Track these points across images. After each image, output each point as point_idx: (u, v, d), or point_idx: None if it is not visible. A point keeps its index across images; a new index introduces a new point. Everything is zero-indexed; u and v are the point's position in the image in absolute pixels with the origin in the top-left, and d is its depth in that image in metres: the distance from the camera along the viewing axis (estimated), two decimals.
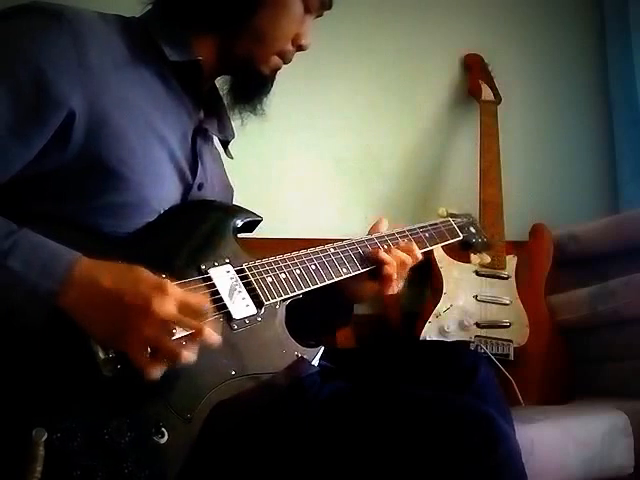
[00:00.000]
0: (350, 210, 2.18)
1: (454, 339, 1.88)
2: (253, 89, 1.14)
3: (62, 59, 0.90)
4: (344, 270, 1.13)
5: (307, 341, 1.04)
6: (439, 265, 1.96)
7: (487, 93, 2.29)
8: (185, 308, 0.83)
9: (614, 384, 1.89)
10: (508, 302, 1.97)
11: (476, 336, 1.91)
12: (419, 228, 1.31)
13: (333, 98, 2.19)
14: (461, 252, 1.71)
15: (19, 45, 0.89)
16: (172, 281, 0.85)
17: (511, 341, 1.91)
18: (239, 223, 1.07)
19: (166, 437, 0.84)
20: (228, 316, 0.95)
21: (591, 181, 2.54)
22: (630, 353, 1.87)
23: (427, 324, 1.90)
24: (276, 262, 1.05)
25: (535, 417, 1.59)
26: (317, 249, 1.12)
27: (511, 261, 2.03)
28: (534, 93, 2.49)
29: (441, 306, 1.92)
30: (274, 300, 1.01)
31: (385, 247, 1.21)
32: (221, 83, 1.18)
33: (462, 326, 1.91)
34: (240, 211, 1.09)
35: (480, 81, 2.31)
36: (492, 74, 2.34)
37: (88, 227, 0.92)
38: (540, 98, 2.50)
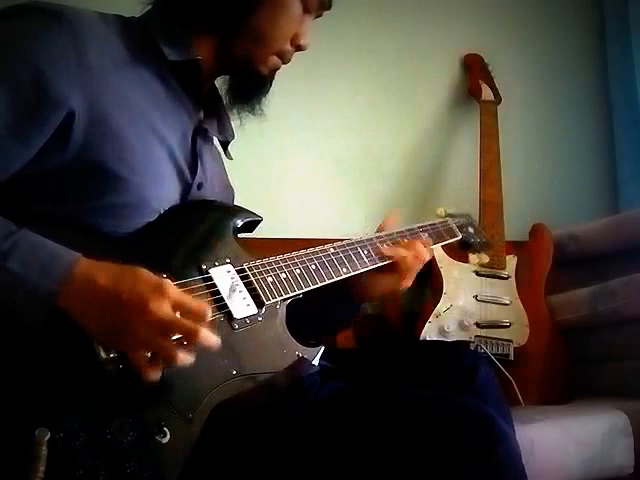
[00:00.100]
0: (350, 210, 2.18)
1: (454, 339, 1.88)
2: (252, 89, 1.14)
3: (62, 59, 0.90)
4: (344, 270, 1.13)
5: (308, 341, 1.05)
6: (439, 265, 1.96)
7: (487, 93, 2.30)
8: (182, 310, 0.82)
9: (614, 384, 1.89)
10: (508, 302, 1.97)
11: (476, 336, 1.91)
12: (418, 228, 1.31)
13: (333, 98, 2.19)
14: (461, 252, 1.71)
15: (19, 45, 0.89)
16: (172, 281, 0.85)
17: (511, 341, 1.92)
18: (239, 223, 1.07)
19: (168, 437, 0.84)
20: (229, 316, 0.95)
21: (591, 181, 2.54)
22: (630, 353, 1.87)
23: (427, 324, 1.90)
24: (276, 262, 1.05)
25: (535, 417, 1.59)
26: (317, 249, 1.12)
27: (511, 261, 2.03)
28: (534, 93, 2.50)
29: (441, 306, 1.93)
30: (275, 300, 1.01)
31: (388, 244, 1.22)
32: (220, 83, 1.18)
33: (462, 326, 1.91)
34: (240, 211, 1.09)
35: (480, 81, 2.32)
36: (492, 74, 2.35)
37: (88, 227, 0.92)
38: (540, 98, 2.50)
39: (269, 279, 1.02)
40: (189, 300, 0.84)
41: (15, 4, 0.93)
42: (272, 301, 1.01)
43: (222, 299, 0.95)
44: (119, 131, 0.94)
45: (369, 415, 0.97)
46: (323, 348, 1.06)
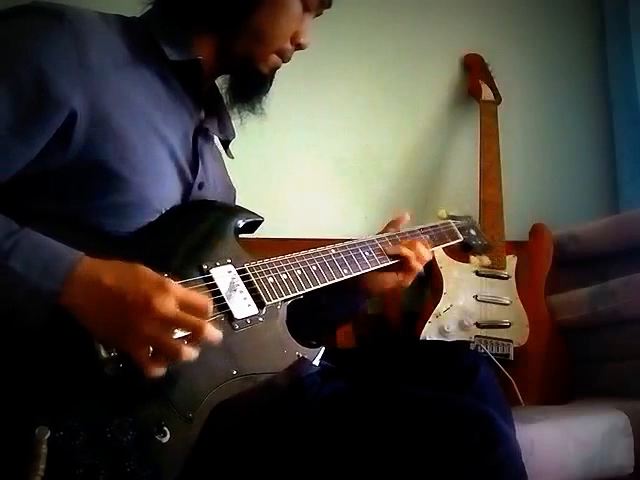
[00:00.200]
0: (350, 210, 2.18)
1: (454, 339, 1.88)
2: (252, 88, 1.14)
3: (63, 59, 0.90)
4: (345, 271, 1.13)
5: (308, 341, 1.05)
6: (439, 265, 1.96)
7: (487, 93, 2.30)
8: (186, 306, 0.83)
9: (614, 384, 1.89)
10: (508, 302, 1.97)
11: (476, 336, 1.91)
12: (419, 229, 1.31)
13: (333, 98, 2.19)
14: (461, 252, 1.71)
15: (20, 45, 0.89)
16: (174, 280, 0.85)
17: (511, 341, 1.92)
18: (240, 223, 1.07)
19: (168, 436, 0.84)
20: (229, 316, 0.96)
21: (591, 181, 2.54)
22: (630, 353, 1.87)
23: (427, 324, 1.90)
24: (277, 262, 1.05)
25: (535, 417, 1.59)
26: (318, 250, 1.12)
27: (511, 261, 2.03)
28: (534, 93, 2.50)
29: (441, 306, 1.93)
30: (275, 300, 1.01)
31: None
32: (220, 82, 1.18)
33: (462, 326, 1.91)
34: (241, 211, 1.09)
35: (480, 81, 2.32)
36: (492, 74, 2.35)
37: (90, 227, 0.93)
38: (540, 98, 2.50)
39: (270, 280, 1.02)
40: (191, 296, 0.85)
41: (16, 5, 0.93)
42: (273, 302, 1.01)
43: (223, 299, 0.96)
44: (120, 131, 0.94)
45: (369, 415, 0.97)
46: (323, 348, 1.06)
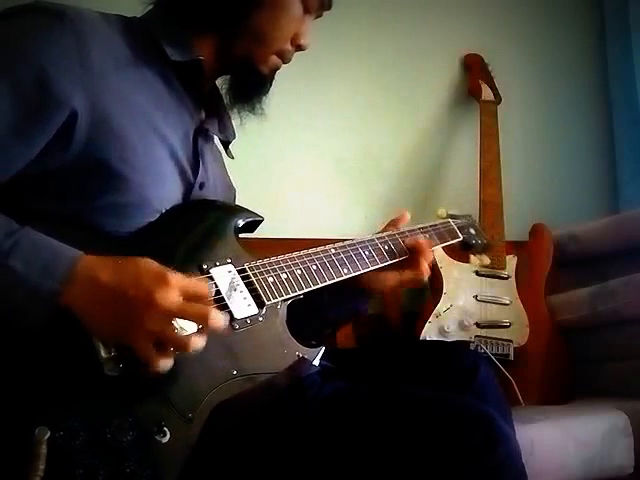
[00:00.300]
0: (350, 210, 2.18)
1: (454, 339, 1.88)
2: (252, 88, 1.14)
3: (64, 59, 0.90)
4: (345, 270, 1.13)
5: (308, 341, 1.05)
6: (439, 265, 1.96)
7: (487, 93, 2.30)
8: (188, 295, 0.83)
9: (614, 384, 1.90)
10: (508, 302, 1.97)
11: (476, 336, 1.91)
12: (419, 229, 1.31)
13: (333, 98, 2.19)
14: (461, 252, 1.71)
15: (21, 44, 0.89)
16: None
17: (511, 341, 1.92)
18: (240, 223, 1.07)
19: (168, 436, 0.84)
20: (229, 316, 0.95)
21: (591, 181, 2.54)
22: (630, 353, 1.87)
23: (427, 324, 1.90)
24: (277, 262, 1.05)
25: (535, 417, 1.59)
26: (318, 249, 1.12)
27: (511, 261, 2.03)
28: (534, 93, 2.50)
29: (441, 306, 1.93)
30: (275, 300, 1.01)
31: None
32: (220, 83, 1.18)
33: (462, 326, 1.91)
34: (241, 211, 1.09)
35: (480, 81, 2.32)
36: (492, 74, 2.35)
37: (90, 226, 0.93)
38: (540, 98, 2.51)
39: (270, 279, 1.02)
40: (191, 284, 0.85)
41: (18, 4, 0.93)
42: (273, 301, 1.01)
43: (223, 299, 0.95)
44: (120, 131, 0.94)
45: (369, 415, 0.97)
46: (324, 348, 1.06)
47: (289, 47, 1.12)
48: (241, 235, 1.07)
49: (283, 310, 1.04)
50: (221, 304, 0.95)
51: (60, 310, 0.81)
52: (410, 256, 1.22)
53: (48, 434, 0.76)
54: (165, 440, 0.84)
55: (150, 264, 0.84)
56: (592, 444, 1.58)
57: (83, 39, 0.92)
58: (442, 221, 1.40)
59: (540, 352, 1.92)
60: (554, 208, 2.39)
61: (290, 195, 2.09)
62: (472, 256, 1.52)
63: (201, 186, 1.09)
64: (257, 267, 1.02)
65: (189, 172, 1.06)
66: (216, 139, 1.21)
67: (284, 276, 1.04)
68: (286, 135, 2.08)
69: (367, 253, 1.18)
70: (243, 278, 1.00)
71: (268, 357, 0.99)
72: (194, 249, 0.98)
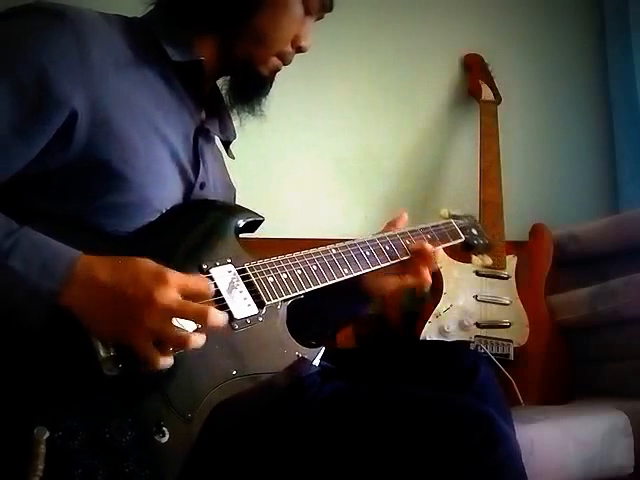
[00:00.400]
0: (350, 210, 2.18)
1: (454, 339, 1.88)
2: (252, 90, 1.14)
3: (64, 58, 0.90)
4: (345, 271, 1.13)
5: (308, 341, 1.05)
6: (439, 265, 1.95)
7: (487, 93, 2.30)
8: (187, 293, 0.83)
9: (614, 384, 1.90)
10: (508, 302, 1.97)
11: (476, 336, 1.91)
12: (421, 229, 1.31)
13: (333, 98, 2.19)
14: (461, 252, 1.71)
15: (22, 44, 0.89)
16: None
17: (511, 341, 1.91)
18: (241, 223, 1.07)
19: (167, 436, 0.84)
20: (229, 316, 0.95)
21: (591, 181, 2.54)
22: (630, 353, 1.87)
23: (427, 324, 1.90)
24: (278, 262, 1.05)
25: (535, 417, 1.59)
26: (319, 249, 1.12)
27: (511, 261, 2.03)
28: (534, 93, 2.50)
29: (441, 306, 1.93)
30: (275, 300, 1.01)
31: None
32: (220, 83, 1.18)
33: (462, 326, 1.91)
34: (242, 211, 1.09)
35: (480, 81, 2.32)
36: (492, 74, 2.35)
37: (90, 226, 0.93)
38: (540, 98, 2.50)
39: (270, 279, 1.02)
40: (191, 281, 0.85)
41: (18, 5, 0.93)
42: (273, 301, 1.01)
43: (223, 299, 0.95)
44: (121, 131, 0.94)
45: (369, 415, 0.97)
46: (324, 348, 1.06)
47: (289, 49, 1.12)
48: (241, 235, 1.07)
49: (283, 310, 1.04)
50: (221, 304, 0.95)
51: (59, 310, 0.81)
52: (413, 260, 1.22)
53: (47, 434, 0.76)
54: (164, 440, 0.84)
55: (149, 263, 0.84)
56: (592, 444, 1.57)
57: (83, 39, 0.92)
58: (444, 221, 1.39)
59: (540, 352, 1.92)
60: (554, 208, 2.39)
61: (290, 195, 2.09)
62: (474, 256, 1.52)
63: (202, 186, 1.09)
64: (257, 267, 1.02)
65: (190, 172, 1.06)
66: (217, 139, 1.21)
67: (284, 276, 1.04)
68: (286, 135, 2.08)
69: (368, 253, 1.18)
70: (243, 278, 0.99)
71: (268, 357, 0.99)
72: (194, 249, 0.98)
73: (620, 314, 1.86)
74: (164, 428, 0.84)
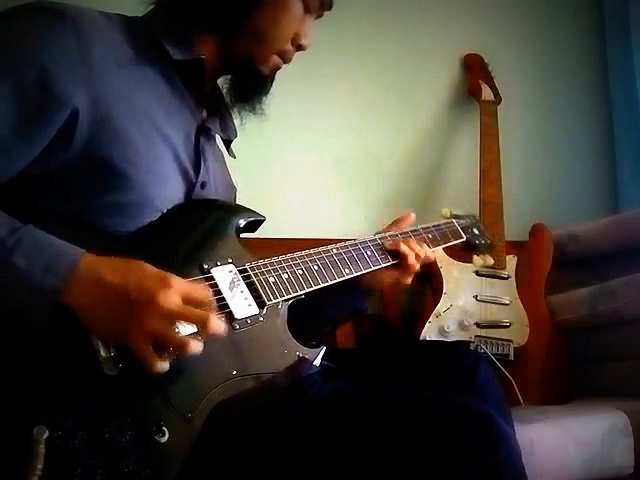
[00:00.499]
0: (350, 210, 2.18)
1: (454, 339, 1.88)
2: (252, 88, 1.14)
3: (65, 58, 0.90)
4: (346, 271, 1.13)
5: (309, 341, 1.05)
6: (439, 265, 1.96)
7: (487, 93, 2.30)
8: (189, 299, 0.83)
9: (614, 384, 1.90)
10: (508, 302, 1.97)
11: (476, 336, 1.91)
12: (422, 229, 1.31)
13: (333, 98, 2.19)
14: (461, 252, 1.71)
15: (22, 44, 0.89)
16: None
17: (511, 341, 1.91)
18: (242, 223, 1.07)
19: (167, 436, 0.84)
20: (230, 316, 0.95)
21: (591, 181, 2.54)
22: (630, 353, 1.87)
23: (427, 324, 1.90)
24: (278, 262, 1.05)
25: (535, 417, 1.59)
26: (320, 249, 1.12)
27: (511, 261, 2.03)
28: (534, 93, 2.50)
29: (441, 306, 1.93)
30: (276, 300, 1.01)
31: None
32: (221, 82, 1.18)
33: (462, 326, 1.91)
34: (243, 210, 1.09)
35: (480, 81, 2.32)
36: (492, 74, 2.35)
37: (91, 226, 0.93)
38: (540, 98, 2.50)
39: (271, 279, 1.02)
40: (193, 288, 0.85)
41: (18, 4, 0.93)
42: (273, 301, 1.01)
43: (223, 299, 0.95)
44: (122, 130, 0.94)
45: (369, 415, 0.97)
46: (324, 348, 1.06)
47: (290, 47, 1.12)
48: (242, 235, 1.07)
49: (284, 310, 1.04)
50: (222, 304, 0.95)
51: (60, 309, 0.81)
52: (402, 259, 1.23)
53: (46, 433, 0.76)
54: (164, 440, 0.84)
55: (153, 268, 0.84)
56: (592, 444, 1.57)
57: (84, 38, 0.92)
58: (446, 221, 1.39)
59: (540, 352, 1.92)
60: (554, 208, 2.39)
61: (290, 195, 2.09)
62: (475, 256, 1.52)
63: (202, 185, 1.09)
64: (258, 267, 1.02)
65: (191, 171, 1.06)
66: (218, 138, 1.21)
67: (285, 276, 1.04)
68: (286, 135, 2.08)
69: (369, 253, 1.18)
70: (244, 278, 1.00)
71: (268, 357, 0.99)
72: (195, 249, 0.98)
73: (620, 314, 1.86)
74: (164, 428, 0.84)
